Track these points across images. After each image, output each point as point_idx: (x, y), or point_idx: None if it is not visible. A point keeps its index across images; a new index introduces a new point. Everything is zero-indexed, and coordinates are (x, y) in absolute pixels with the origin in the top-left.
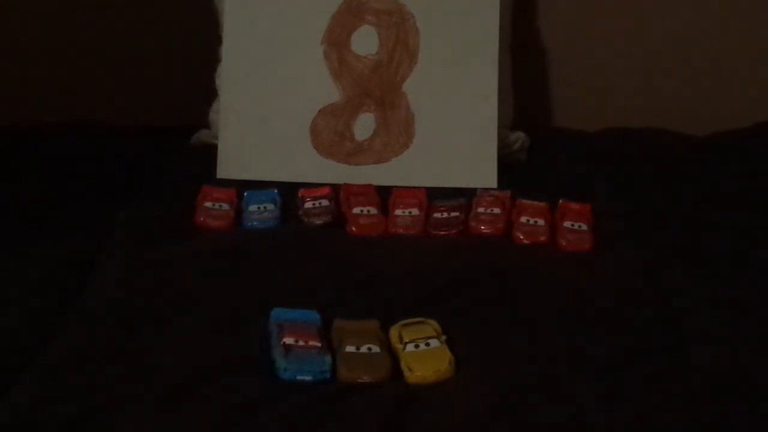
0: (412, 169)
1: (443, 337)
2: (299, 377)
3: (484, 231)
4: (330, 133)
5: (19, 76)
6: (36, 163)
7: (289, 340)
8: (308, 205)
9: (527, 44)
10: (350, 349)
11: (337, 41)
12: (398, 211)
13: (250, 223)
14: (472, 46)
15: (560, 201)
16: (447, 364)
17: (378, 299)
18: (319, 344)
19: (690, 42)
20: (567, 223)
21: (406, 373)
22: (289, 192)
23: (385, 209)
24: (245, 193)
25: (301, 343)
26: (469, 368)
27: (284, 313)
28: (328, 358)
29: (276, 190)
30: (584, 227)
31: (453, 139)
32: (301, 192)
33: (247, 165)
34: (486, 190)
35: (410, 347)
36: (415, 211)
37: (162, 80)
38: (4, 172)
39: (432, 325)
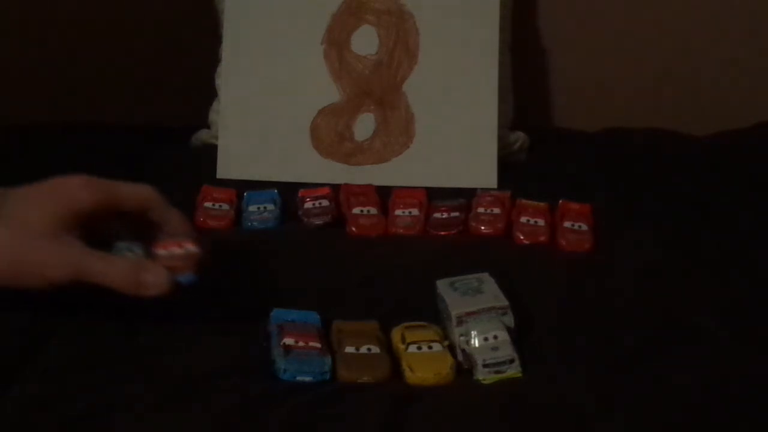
0: (412, 169)
1: (446, 342)
2: (299, 378)
3: (484, 231)
4: (330, 133)
5: (19, 76)
6: (36, 163)
7: (289, 341)
8: (308, 205)
9: (527, 44)
10: (350, 349)
11: (337, 41)
12: (398, 211)
13: (249, 224)
14: (472, 46)
15: (560, 201)
16: (448, 368)
17: (378, 300)
18: (319, 345)
19: (690, 42)
20: (567, 223)
21: (407, 373)
22: (289, 192)
23: (385, 209)
24: (245, 194)
25: (301, 344)
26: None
27: (284, 313)
28: (328, 359)
29: (276, 190)
30: (584, 227)
31: (453, 139)
32: (300, 192)
33: (247, 165)
34: (486, 190)
35: (412, 348)
36: (415, 211)
37: (162, 80)
38: (3, 171)
39: (435, 330)
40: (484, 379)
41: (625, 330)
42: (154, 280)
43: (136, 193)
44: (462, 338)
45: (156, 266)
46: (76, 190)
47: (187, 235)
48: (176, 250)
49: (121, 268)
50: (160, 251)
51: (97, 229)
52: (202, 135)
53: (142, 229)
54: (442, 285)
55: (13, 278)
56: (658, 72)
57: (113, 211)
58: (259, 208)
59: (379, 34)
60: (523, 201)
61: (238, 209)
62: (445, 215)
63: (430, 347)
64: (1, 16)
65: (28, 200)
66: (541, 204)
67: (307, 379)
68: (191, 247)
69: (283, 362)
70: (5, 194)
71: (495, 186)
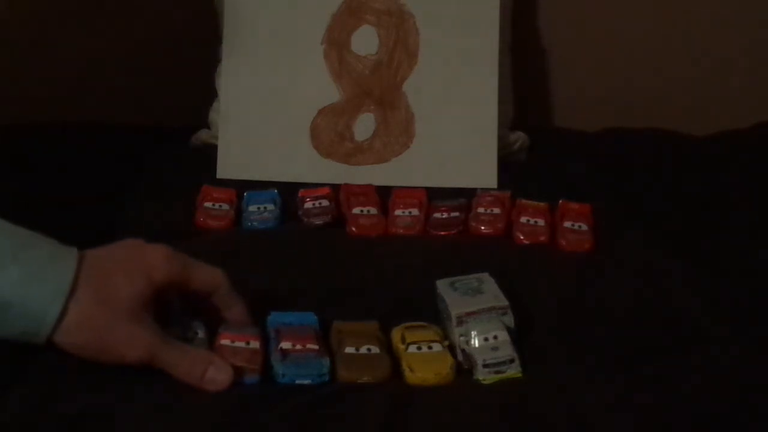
0: (412, 169)
1: (446, 342)
2: (298, 381)
3: (484, 231)
4: (330, 133)
5: (19, 76)
6: (35, 163)
7: (286, 345)
8: (308, 205)
9: (527, 44)
10: (350, 350)
11: (337, 41)
12: (398, 211)
13: (249, 224)
14: (472, 46)
15: (560, 201)
16: (448, 368)
17: (378, 300)
18: (316, 347)
19: (690, 42)
20: (567, 223)
21: (407, 374)
22: (289, 192)
23: (385, 209)
24: (245, 194)
25: (298, 347)
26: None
27: (281, 316)
28: (326, 361)
29: (276, 190)
30: (584, 227)
31: (453, 139)
32: (300, 192)
33: (247, 165)
34: (486, 190)
35: (412, 348)
36: (415, 211)
37: (162, 80)
38: (3, 171)
39: (435, 330)
40: (484, 379)
41: (625, 330)
42: (218, 378)
43: (208, 275)
44: (462, 338)
45: (224, 365)
46: (159, 263)
47: (248, 327)
48: (241, 345)
49: (191, 362)
50: (225, 342)
51: (159, 297)
52: (202, 135)
53: (197, 303)
54: (442, 285)
55: (95, 350)
56: (658, 72)
57: (182, 288)
58: (259, 208)
59: (379, 34)
60: (523, 201)
61: (238, 209)
62: (445, 215)
63: (430, 347)
64: (1, 16)
65: (114, 273)
66: (541, 204)
67: (306, 381)
68: (256, 345)
69: (280, 367)
70: (84, 256)
71: (495, 186)
